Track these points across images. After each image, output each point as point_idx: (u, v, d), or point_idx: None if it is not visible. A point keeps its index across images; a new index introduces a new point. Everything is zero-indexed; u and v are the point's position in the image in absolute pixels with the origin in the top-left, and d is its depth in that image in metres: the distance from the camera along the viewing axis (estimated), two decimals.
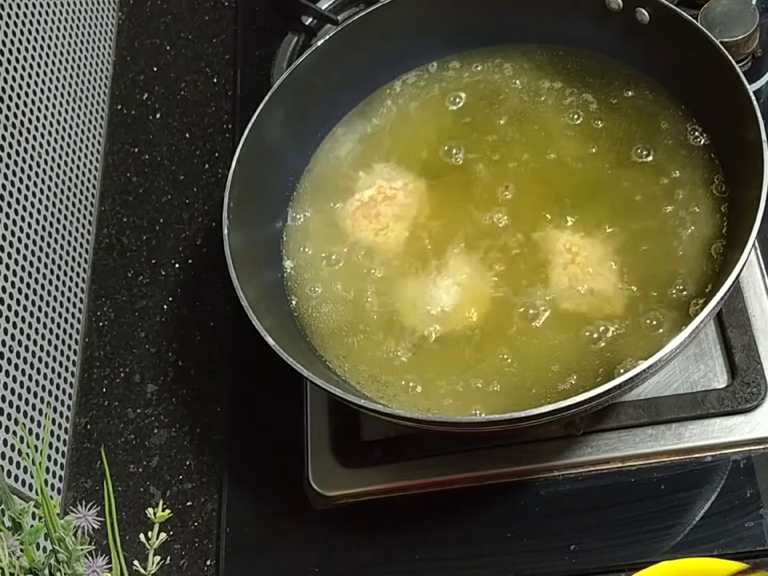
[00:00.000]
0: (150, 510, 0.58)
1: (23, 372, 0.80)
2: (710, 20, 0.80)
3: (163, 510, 0.58)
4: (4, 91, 0.84)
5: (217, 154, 0.99)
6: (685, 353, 0.74)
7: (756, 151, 0.66)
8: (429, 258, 0.76)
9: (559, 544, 0.71)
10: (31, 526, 0.59)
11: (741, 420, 0.72)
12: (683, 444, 0.72)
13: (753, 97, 0.68)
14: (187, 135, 1.01)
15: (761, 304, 0.75)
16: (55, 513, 0.56)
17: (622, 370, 0.67)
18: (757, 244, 0.77)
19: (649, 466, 0.73)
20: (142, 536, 0.58)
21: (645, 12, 0.74)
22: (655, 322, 0.69)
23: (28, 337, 0.82)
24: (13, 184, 0.83)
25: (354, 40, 0.80)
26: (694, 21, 0.73)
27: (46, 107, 0.92)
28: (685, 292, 0.69)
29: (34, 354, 0.82)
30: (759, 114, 0.67)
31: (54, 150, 0.92)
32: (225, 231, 0.71)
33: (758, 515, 0.69)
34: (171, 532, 0.78)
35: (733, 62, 0.69)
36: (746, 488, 0.70)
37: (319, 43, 0.80)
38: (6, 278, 0.80)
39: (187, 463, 0.83)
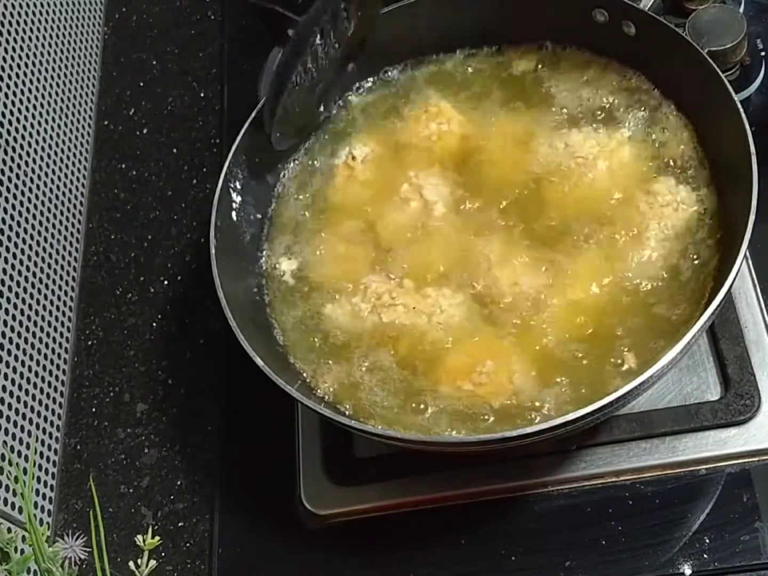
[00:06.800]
0: (139, 537, 0.57)
1: (11, 394, 0.79)
2: (698, 29, 0.80)
3: (153, 536, 0.57)
4: None
5: (205, 169, 0.98)
6: (678, 365, 0.73)
7: (744, 161, 0.66)
8: (424, 283, 0.74)
9: (554, 560, 0.71)
10: (22, 550, 0.58)
11: (735, 432, 0.71)
12: (677, 457, 0.72)
13: (740, 108, 0.67)
14: (175, 150, 1.01)
15: (753, 315, 0.75)
16: (43, 542, 0.55)
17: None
18: (748, 255, 0.77)
19: (643, 480, 0.72)
20: (131, 564, 0.57)
21: (631, 24, 0.74)
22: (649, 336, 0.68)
23: (16, 358, 0.81)
24: None
25: None
26: (680, 32, 0.73)
27: (32, 124, 0.91)
28: (677, 304, 0.69)
29: (22, 375, 0.81)
30: (747, 125, 0.67)
31: (40, 168, 0.91)
32: (212, 251, 0.71)
33: (754, 528, 0.69)
34: (163, 554, 0.77)
35: (719, 72, 0.69)
36: (741, 501, 0.70)
37: None
38: None
39: (179, 482, 0.82)
